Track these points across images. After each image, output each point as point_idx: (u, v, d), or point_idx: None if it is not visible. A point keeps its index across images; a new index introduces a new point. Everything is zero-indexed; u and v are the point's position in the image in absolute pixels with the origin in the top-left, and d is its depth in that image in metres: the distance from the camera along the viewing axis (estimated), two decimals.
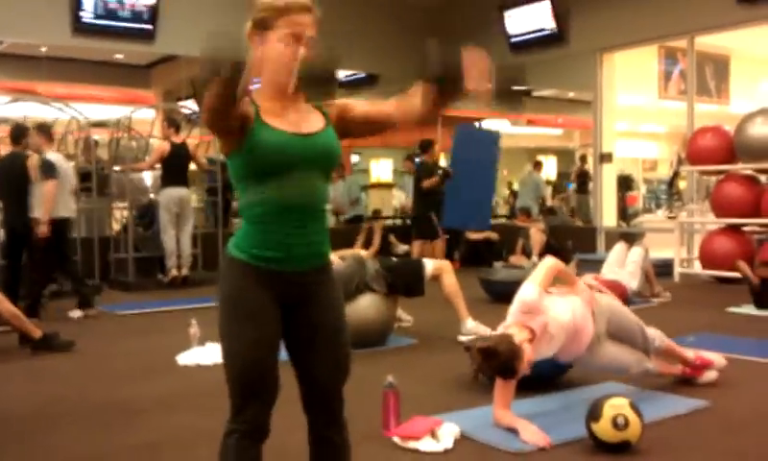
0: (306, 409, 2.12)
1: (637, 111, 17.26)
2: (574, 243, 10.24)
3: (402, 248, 10.20)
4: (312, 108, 2.05)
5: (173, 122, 9.17)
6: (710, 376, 4.14)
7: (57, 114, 9.75)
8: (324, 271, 2.07)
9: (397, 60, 13.07)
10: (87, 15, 10.25)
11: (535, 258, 9.60)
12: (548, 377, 4.11)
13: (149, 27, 10.70)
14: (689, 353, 4.13)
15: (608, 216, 11.84)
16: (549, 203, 14.67)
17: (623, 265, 7.14)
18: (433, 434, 3.26)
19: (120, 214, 10.23)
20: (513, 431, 3.31)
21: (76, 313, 7.14)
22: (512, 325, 3.51)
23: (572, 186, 15.13)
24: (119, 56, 12.71)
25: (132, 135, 10.10)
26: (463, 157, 8.39)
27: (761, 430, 3.47)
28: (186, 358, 5.05)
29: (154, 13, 10.58)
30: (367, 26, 12.43)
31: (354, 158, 16.76)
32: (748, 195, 8.33)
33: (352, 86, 14.13)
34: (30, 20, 10.12)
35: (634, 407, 3.12)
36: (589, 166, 12.94)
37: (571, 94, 13.03)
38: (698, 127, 9.61)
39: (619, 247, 7.38)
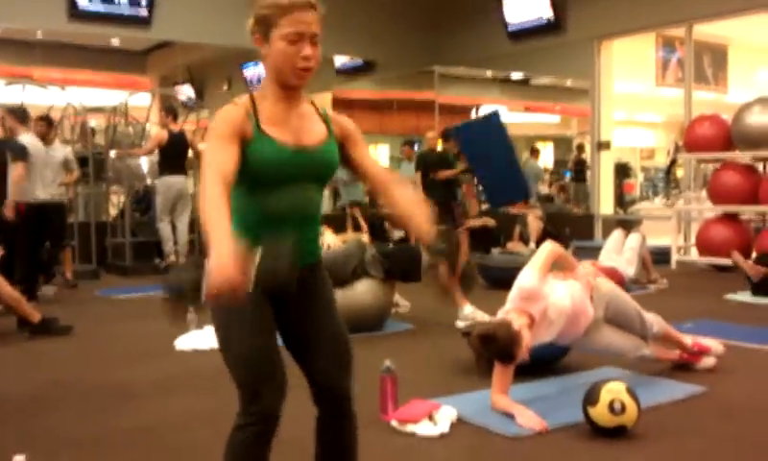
0: (316, 403, 2.09)
1: (635, 99, 17.26)
2: (571, 230, 10.25)
3: (398, 233, 10.18)
4: (315, 113, 2.03)
5: (171, 110, 9.13)
6: (708, 362, 4.15)
7: (53, 100, 9.72)
8: (316, 268, 2.05)
9: (395, 48, 13.10)
10: (83, 1, 10.22)
11: (533, 245, 9.60)
12: (545, 362, 4.12)
13: (145, 13, 10.67)
14: (687, 339, 4.14)
15: (605, 203, 11.86)
16: (546, 190, 14.65)
17: (620, 252, 7.15)
18: (430, 418, 3.27)
19: (117, 199, 10.22)
20: (509, 416, 3.32)
21: (50, 289, 7.25)
22: (511, 310, 3.51)
23: (569, 175, 15.13)
24: (115, 41, 12.67)
25: (128, 121, 10.08)
26: (474, 151, 8.43)
27: (757, 416, 3.48)
28: (183, 343, 5.05)
29: None
30: (364, 13, 12.40)
31: None
32: (745, 183, 8.35)
33: (350, 73, 14.12)
34: (26, 5, 10.08)
35: (630, 392, 3.12)
36: (587, 155, 12.95)
37: (569, 82, 13.02)
38: (695, 115, 9.62)
39: (617, 234, 7.40)
